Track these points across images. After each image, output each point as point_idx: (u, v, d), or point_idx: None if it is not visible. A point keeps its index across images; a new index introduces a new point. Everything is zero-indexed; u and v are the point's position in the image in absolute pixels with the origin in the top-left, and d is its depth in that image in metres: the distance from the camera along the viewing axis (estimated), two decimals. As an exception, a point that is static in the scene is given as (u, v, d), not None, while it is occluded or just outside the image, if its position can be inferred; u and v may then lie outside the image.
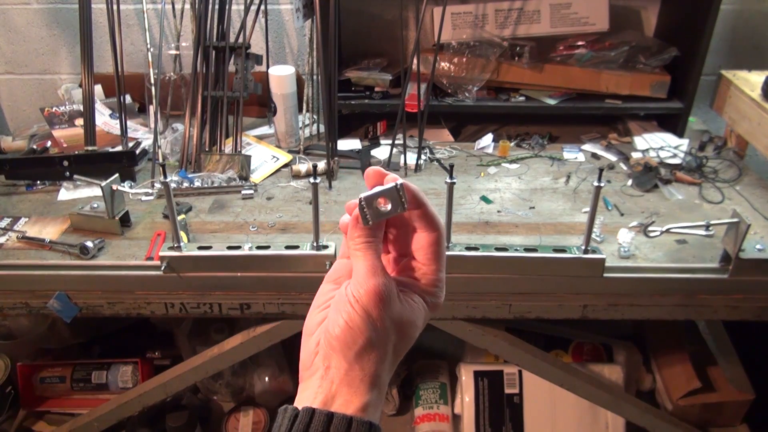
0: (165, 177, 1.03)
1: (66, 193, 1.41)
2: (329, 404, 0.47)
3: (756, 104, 1.42)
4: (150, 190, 1.37)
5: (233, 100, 1.50)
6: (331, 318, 0.49)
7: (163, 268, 1.10)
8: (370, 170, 0.51)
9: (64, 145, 1.56)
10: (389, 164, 1.48)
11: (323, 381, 0.49)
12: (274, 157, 1.54)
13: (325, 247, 1.09)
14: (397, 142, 1.49)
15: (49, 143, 1.57)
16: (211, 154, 1.47)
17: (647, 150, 1.55)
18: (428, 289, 0.52)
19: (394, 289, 0.49)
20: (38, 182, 1.44)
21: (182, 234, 1.15)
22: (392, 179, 0.50)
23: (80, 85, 1.58)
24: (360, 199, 0.49)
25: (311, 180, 1.03)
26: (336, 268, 0.55)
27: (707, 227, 1.19)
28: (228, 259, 1.10)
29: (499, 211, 1.33)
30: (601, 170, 1.00)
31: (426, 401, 1.61)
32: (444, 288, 0.54)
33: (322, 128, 1.64)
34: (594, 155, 1.57)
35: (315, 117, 1.69)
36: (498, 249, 1.10)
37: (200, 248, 1.10)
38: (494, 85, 1.65)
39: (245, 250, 1.09)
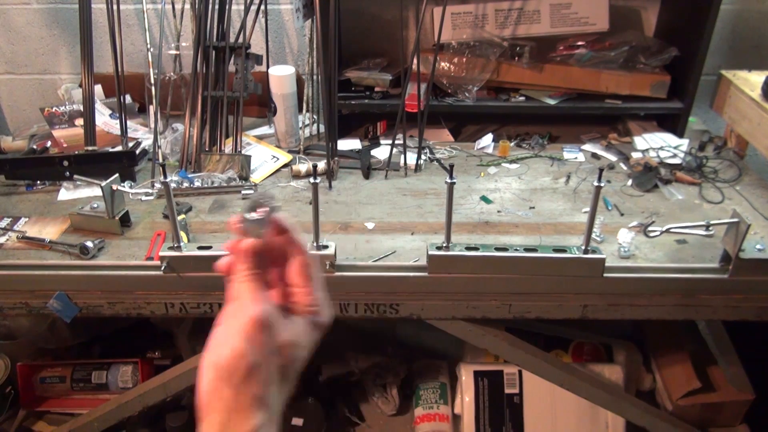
0: (165, 177, 1.03)
1: (66, 193, 1.41)
2: None
3: (756, 104, 1.42)
4: (150, 190, 1.37)
5: (233, 100, 1.50)
6: (215, 350, 0.51)
7: (163, 268, 1.10)
8: (232, 220, 0.56)
9: (64, 145, 1.56)
10: (389, 164, 1.48)
11: (216, 414, 0.49)
12: (274, 157, 1.54)
13: (325, 247, 1.09)
14: (397, 142, 1.49)
15: (49, 143, 1.57)
16: (211, 154, 1.47)
17: (647, 150, 1.55)
18: (308, 310, 0.55)
19: (275, 314, 0.52)
20: (38, 182, 1.44)
21: (182, 234, 1.15)
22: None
23: (80, 85, 1.58)
24: (242, 217, 0.55)
25: (311, 180, 1.03)
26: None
27: (707, 227, 1.19)
28: (228, 259, 1.09)
29: (499, 211, 1.33)
30: (601, 170, 1.00)
31: (426, 401, 1.61)
32: (326, 307, 0.57)
33: (322, 128, 1.64)
34: (594, 155, 1.57)
35: (315, 117, 1.69)
36: (498, 249, 1.10)
37: (200, 248, 1.10)
38: (494, 85, 1.65)
39: (245, 250, 1.09)
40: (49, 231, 1.26)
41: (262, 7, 1.58)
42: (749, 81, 1.52)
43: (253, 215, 0.55)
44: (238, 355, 0.49)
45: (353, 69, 1.65)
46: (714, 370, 1.50)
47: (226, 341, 0.50)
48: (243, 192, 1.38)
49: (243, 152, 1.49)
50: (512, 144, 1.61)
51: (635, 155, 1.53)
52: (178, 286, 1.13)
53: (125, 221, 1.25)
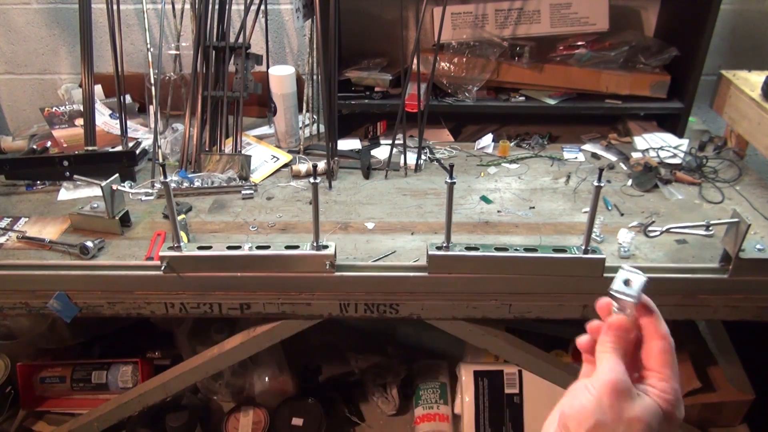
0: (165, 177, 1.03)
1: (66, 193, 1.41)
2: None
3: (756, 104, 1.42)
4: (150, 190, 1.37)
5: (233, 100, 1.50)
6: (566, 402, 0.54)
7: (163, 268, 1.10)
8: (602, 302, 0.59)
9: (64, 145, 1.56)
10: (389, 164, 1.48)
11: None
12: (274, 157, 1.54)
13: (325, 247, 1.09)
14: (397, 142, 1.49)
15: (49, 143, 1.57)
16: (211, 154, 1.47)
17: (647, 150, 1.55)
18: (663, 396, 0.54)
19: (630, 386, 0.53)
20: (38, 182, 1.44)
21: (182, 234, 1.15)
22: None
23: (80, 85, 1.58)
24: (613, 287, 0.57)
25: (311, 180, 1.03)
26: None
27: (707, 227, 1.19)
28: (228, 259, 1.10)
29: (499, 211, 1.33)
30: (601, 170, 1.00)
31: (426, 401, 1.62)
32: (681, 402, 0.55)
33: (322, 128, 1.64)
34: (594, 155, 1.57)
35: (315, 117, 1.69)
36: (498, 249, 1.10)
37: (200, 248, 1.10)
38: (494, 85, 1.65)
39: (245, 250, 1.09)
40: (49, 231, 1.26)
41: (262, 7, 1.58)
42: (749, 81, 1.52)
43: (627, 291, 0.57)
44: (585, 410, 0.51)
45: (353, 69, 1.65)
46: (714, 370, 1.50)
47: (579, 395, 0.53)
48: (243, 192, 1.38)
49: (243, 152, 1.49)
50: (512, 144, 1.61)
51: (635, 155, 1.53)
52: (178, 286, 1.13)
53: (125, 221, 1.25)
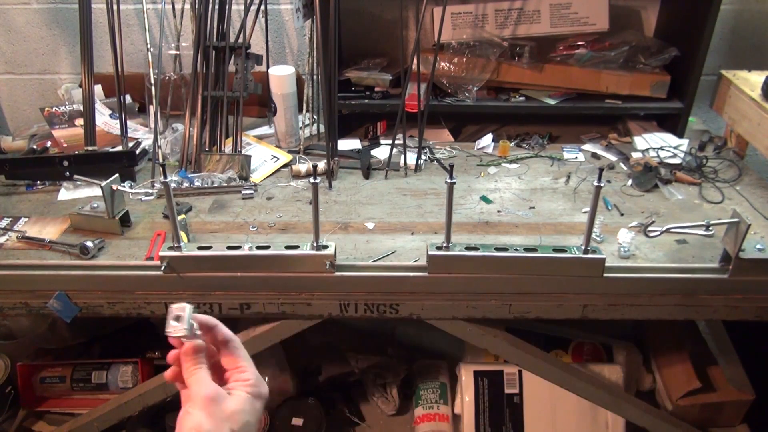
0: (165, 177, 1.03)
1: (66, 193, 1.41)
2: None
3: (756, 104, 1.42)
4: (150, 190, 1.37)
5: (233, 100, 1.50)
6: (179, 429, 0.61)
7: (163, 268, 1.10)
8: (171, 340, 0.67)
9: (64, 145, 1.56)
10: (389, 164, 1.48)
11: None
12: (274, 157, 1.54)
13: (325, 247, 1.09)
14: (397, 142, 1.49)
15: (49, 143, 1.57)
16: (211, 154, 1.47)
17: (647, 150, 1.55)
18: (246, 383, 0.65)
19: (220, 391, 0.63)
20: (38, 182, 1.44)
21: (182, 234, 1.15)
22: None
23: (80, 85, 1.58)
24: (168, 330, 0.66)
25: (311, 180, 1.03)
26: None
27: (707, 227, 1.18)
28: (228, 259, 1.10)
29: (499, 211, 1.33)
30: (601, 170, 1.00)
31: (426, 401, 1.61)
32: (262, 381, 0.67)
33: (322, 128, 1.64)
34: (594, 155, 1.57)
35: (315, 117, 1.69)
36: (498, 249, 1.10)
37: (200, 248, 1.10)
38: (494, 85, 1.65)
39: (245, 250, 1.09)
40: (49, 231, 1.26)
41: (262, 7, 1.58)
42: (749, 81, 1.52)
43: (180, 325, 0.65)
44: (196, 426, 0.59)
45: (353, 69, 1.65)
46: (714, 370, 1.50)
47: (184, 422, 0.61)
48: (243, 192, 1.38)
49: (243, 152, 1.49)
50: (512, 144, 1.61)
51: (635, 155, 1.53)
52: (178, 286, 1.13)
53: (125, 221, 1.25)
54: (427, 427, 1.58)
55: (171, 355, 0.67)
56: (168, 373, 0.68)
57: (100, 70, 1.73)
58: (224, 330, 0.69)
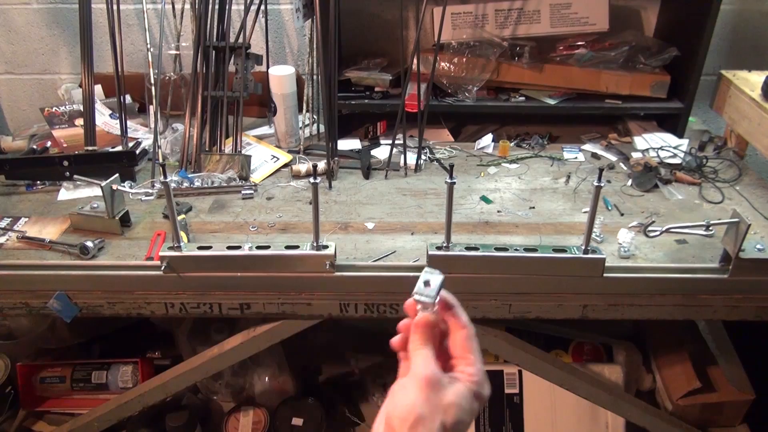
0: (165, 177, 1.03)
1: (66, 193, 1.41)
2: None
3: (756, 104, 1.42)
4: (150, 190, 1.37)
5: (233, 100, 1.50)
6: (388, 402, 0.57)
7: (163, 268, 1.10)
8: (408, 303, 0.64)
9: (64, 145, 1.56)
10: (389, 164, 1.48)
11: None
12: (274, 157, 1.54)
13: (325, 247, 1.09)
14: (397, 142, 1.49)
15: (49, 143, 1.57)
16: (211, 154, 1.47)
17: (647, 150, 1.55)
18: (471, 378, 0.60)
19: (442, 376, 0.58)
20: (38, 182, 1.44)
21: (182, 234, 1.15)
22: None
23: (80, 85, 1.58)
24: (416, 292, 0.63)
25: (311, 180, 1.03)
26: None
27: (707, 227, 1.19)
28: (228, 259, 1.10)
29: (499, 211, 1.33)
30: (601, 170, 1.00)
31: (426, 401, 1.61)
32: (487, 380, 0.61)
33: (322, 128, 1.64)
34: (594, 155, 1.57)
35: (315, 117, 1.69)
36: (498, 249, 1.10)
37: (200, 248, 1.10)
38: (494, 85, 1.65)
39: (245, 250, 1.09)
40: (49, 231, 1.26)
41: (262, 7, 1.58)
42: (749, 81, 1.52)
43: (426, 292, 0.62)
44: (405, 407, 0.55)
45: (353, 69, 1.65)
46: (714, 370, 1.50)
47: (399, 394, 0.57)
48: (243, 192, 1.38)
49: (243, 152, 1.49)
50: (512, 144, 1.61)
51: (635, 155, 1.53)
52: (178, 286, 1.14)
53: (125, 221, 1.25)
54: (427, 427, 1.58)
55: (403, 323, 0.63)
56: (396, 340, 0.64)
57: (100, 70, 1.73)
58: (462, 315, 0.64)
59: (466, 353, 0.62)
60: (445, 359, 0.62)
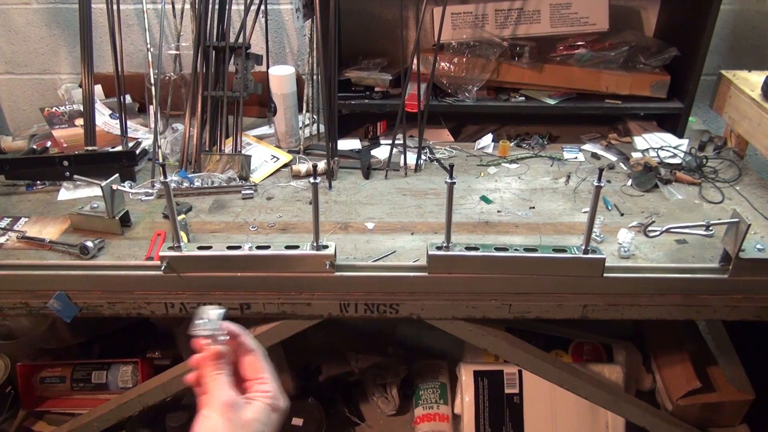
0: (165, 177, 1.03)
1: (66, 193, 1.41)
2: None
3: (756, 104, 1.42)
4: (150, 190, 1.37)
5: (233, 100, 1.50)
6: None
7: (163, 268, 1.10)
8: (194, 341, 0.67)
9: (64, 145, 1.56)
10: (389, 164, 1.48)
11: None
12: (274, 157, 1.54)
13: (325, 247, 1.09)
14: (397, 142, 1.49)
15: (49, 143, 1.57)
16: (211, 154, 1.47)
17: (647, 150, 1.55)
18: (266, 395, 0.66)
19: (239, 398, 0.64)
20: (38, 182, 1.44)
21: (182, 234, 1.15)
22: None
23: (80, 85, 1.58)
24: (193, 329, 0.67)
25: (311, 180, 1.03)
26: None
27: (707, 227, 1.19)
28: (228, 259, 1.10)
29: (499, 211, 1.33)
30: (601, 170, 1.00)
31: (426, 401, 1.62)
32: (282, 393, 0.67)
33: (322, 128, 1.64)
34: (594, 155, 1.57)
35: (315, 117, 1.69)
36: (498, 249, 1.10)
37: (200, 248, 1.10)
38: (494, 85, 1.65)
39: (245, 250, 1.09)
40: (49, 231, 1.26)
41: (262, 7, 1.58)
42: (749, 81, 1.52)
43: (208, 326, 0.66)
44: (212, 429, 0.61)
45: (353, 69, 1.65)
46: (714, 370, 1.50)
47: (201, 426, 0.61)
48: (243, 192, 1.38)
49: (243, 152, 1.49)
50: (512, 144, 1.61)
51: (635, 155, 1.53)
52: (178, 286, 1.13)
53: (125, 221, 1.25)
54: (427, 427, 1.58)
55: (193, 358, 0.67)
56: (190, 376, 0.68)
57: (100, 70, 1.73)
58: (249, 339, 0.70)
59: (258, 373, 0.68)
60: (240, 383, 0.68)
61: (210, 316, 0.67)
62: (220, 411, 0.61)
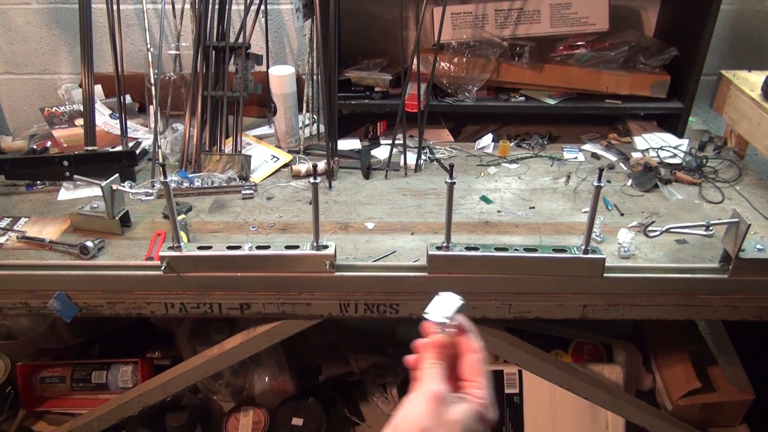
0: (165, 177, 1.03)
1: (66, 193, 1.41)
2: None
3: (756, 104, 1.42)
4: (150, 190, 1.37)
5: (233, 100, 1.50)
6: (398, 415, 0.60)
7: (163, 268, 1.10)
8: (425, 324, 0.66)
9: (64, 145, 1.56)
10: (389, 164, 1.48)
11: None
12: (274, 157, 1.54)
13: (325, 247, 1.09)
14: (397, 142, 1.49)
15: (49, 143, 1.57)
16: (211, 154, 1.47)
17: (647, 150, 1.55)
18: (478, 401, 0.62)
19: (450, 395, 0.61)
20: (38, 182, 1.44)
21: (182, 234, 1.15)
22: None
23: (80, 85, 1.58)
24: (427, 312, 0.65)
25: (311, 180, 1.03)
26: None
27: (707, 227, 1.19)
28: (228, 259, 1.10)
29: (499, 211, 1.33)
30: (601, 170, 1.00)
31: (426, 401, 1.61)
32: (494, 404, 0.63)
33: (322, 128, 1.64)
34: (594, 155, 1.57)
35: (315, 117, 1.69)
36: (498, 249, 1.10)
37: (200, 248, 1.10)
38: (494, 85, 1.65)
39: (245, 250, 1.09)
40: (49, 231, 1.26)
41: (262, 7, 1.58)
42: (749, 81, 1.52)
43: (443, 314, 0.65)
44: (416, 418, 0.58)
45: (353, 69, 1.65)
46: (714, 370, 1.50)
47: (407, 408, 0.60)
48: (243, 192, 1.38)
49: (243, 152, 1.49)
50: (512, 144, 1.61)
51: (635, 155, 1.53)
52: (178, 286, 1.14)
53: (125, 221, 1.25)
54: (427, 427, 1.58)
55: (417, 342, 0.66)
56: (411, 358, 0.66)
57: (100, 70, 1.73)
58: (476, 339, 0.67)
59: (475, 376, 0.64)
60: (455, 381, 0.65)
61: (447, 304, 0.65)
62: (428, 400, 0.59)
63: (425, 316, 0.65)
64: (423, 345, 0.65)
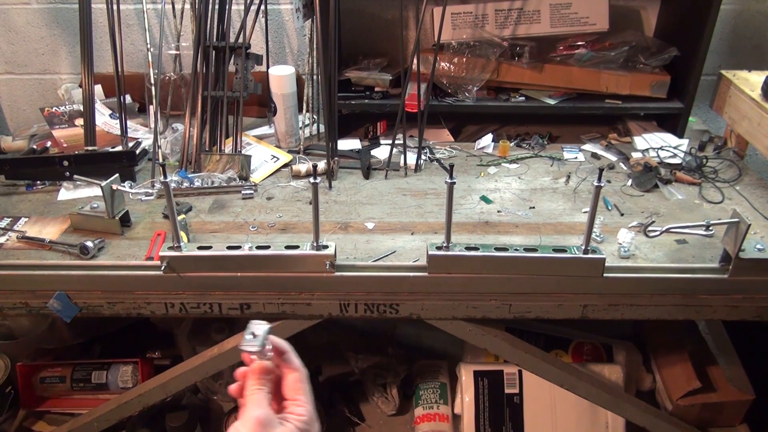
0: (165, 177, 1.03)
1: (66, 193, 1.41)
2: None
3: (756, 104, 1.42)
4: (150, 190, 1.37)
5: (233, 100, 1.50)
6: None
7: (163, 268, 1.10)
8: (243, 355, 0.69)
9: (64, 145, 1.56)
10: (389, 164, 1.48)
11: None
12: (274, 157, 1.54)
13: (325, 247, 1.09)
14: (397, 142, 1.49)
15: (49, 143, 1.57)
16: (211, 154, 1.47)
17: (647, 150, 1.55)
18: (299, 418, 0.66)
19: (273, 418, 0.64)
20: (38, 182, 1.44)
21: (182, 234, 1.15)
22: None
23: (80, 85, 1.58)
24: (242, 344, 0.67)
25: (311, 180, 1.03)
26: None
27: (707, 227, 1.19)
28: (228, 259, 1.10)
29: (499, 211, 1.33)
30: (601, 170, 1.00)
31: (426, 401, 1.61)
32: (315, 419, 0.67)
33: (322, 128, 1.64)
34: (594, 155, 1.57)
35: (315, 117, 1.69)
36: (498, 249, 1.10)
37: (200, 248, 1.10)
38: (494, 85, 1.65)
39: (245, 250, 1.09)
40: (49, 231, 1.26)
41: (262, 7, 1.58)
42: (749, 81, 1.52)
43: (253, 342, 0.67)
44: None
45: (353, 69, 1.65)
46: (714, 370, 1.50)
47: None
48: (243, 192, 1.38)
49: (243, 152, 1.49)
50: (512, 144, 1.61)
51: (635, 155, 1.53)
52: (178, 286, 1.14)
53: (125, 221, 1.25)
54: (427, 427, 1.58)
55: (239, 371, 0.68)
56: (233, 387, 0.69)
57: (100, 70, 1.73)
58: (294, 359, 0.70)
59: (297, 394, 0.68)
60: (280, 401, 0.68)
61: (257, 331, 0.67)
62: (251, 427, 0.62)
63: (240, 348, 0.67)
64: (243, 373, 0.68)
